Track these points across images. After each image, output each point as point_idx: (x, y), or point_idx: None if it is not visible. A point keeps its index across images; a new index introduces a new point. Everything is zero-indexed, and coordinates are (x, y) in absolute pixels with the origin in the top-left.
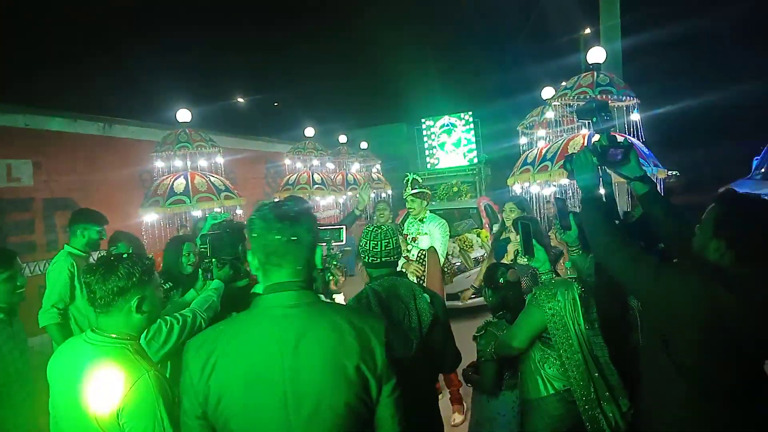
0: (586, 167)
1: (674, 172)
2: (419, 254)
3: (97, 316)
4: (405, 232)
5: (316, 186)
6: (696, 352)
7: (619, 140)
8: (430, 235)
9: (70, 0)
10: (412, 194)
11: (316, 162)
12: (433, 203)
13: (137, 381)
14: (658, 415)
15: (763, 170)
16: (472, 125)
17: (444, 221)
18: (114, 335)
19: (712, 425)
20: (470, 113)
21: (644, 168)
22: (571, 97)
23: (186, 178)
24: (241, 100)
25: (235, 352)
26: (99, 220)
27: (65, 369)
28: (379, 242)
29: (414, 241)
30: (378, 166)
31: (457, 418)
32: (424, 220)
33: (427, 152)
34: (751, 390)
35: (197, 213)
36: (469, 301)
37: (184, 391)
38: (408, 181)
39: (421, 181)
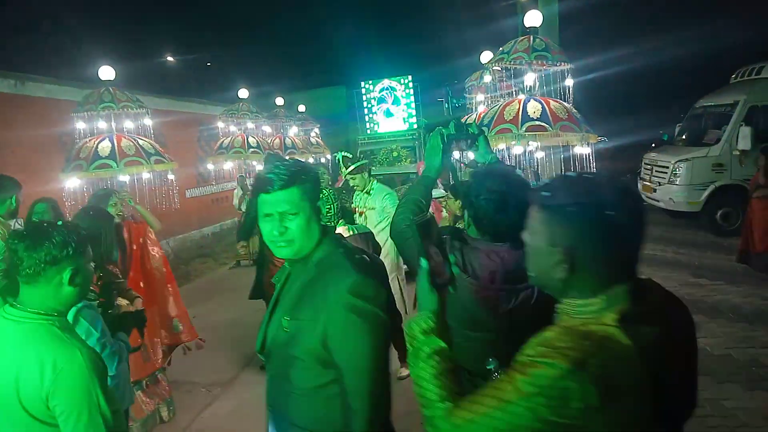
0: (433, 150)
1: (602, 138)
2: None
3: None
4: (354, 205)
5: (252, 150)
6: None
7: (467, 127)
8: (380, 209)
9: None
10: (349, 173)
11: (251, 125)
12: (374, 168)
13: (68, 360)
14: None
15: (684, 136)
16: (411, 89)
17: (392, 191)
18: (38, 310)
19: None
20: (410, 77)
21: (492, 154)
22: (508, 62)
23: (112, 141)
24: (171, 59)
25: None
26: (14, 186)
27: None
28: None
29: (361, 215)
30: (317, 130)
31: (404, 372)
32: (371, 192)
33: (366, 116)
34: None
35: (125, 178)
36: None
37: None
38: (339, 160)
39: (351, 156)
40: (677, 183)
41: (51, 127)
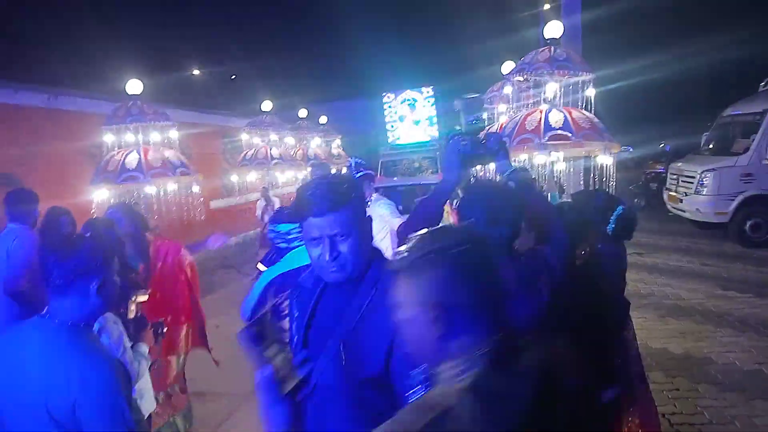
0: (449, 164)
1: (627, 148)
2: None
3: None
4: None
5: (275, 161)
6: None
7: (486, 143)
8: (378, 218)
9: None
10: (357, 178)
11: (274, 137)
12: (395, 179)
13: (95, 370)
14: None
15: (711, 146)
16: (433, 100)
17: (388, 201)
18: (66, 321)
19: None
20: (431, 88)
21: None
22: (528, 72)
23: (139, 153)
24: (196, 72)
25: None
26: (37, 198)
27: (10, 358)
28: None
29: None
30: (338, 141)
31: None
32: (370, 202)
33: (388, 127)
34: None
35: (151, 189)
36: None
37: None
38: (351, 165)
39: (364, 162)
40: (704, 193)
41: (81, 140)
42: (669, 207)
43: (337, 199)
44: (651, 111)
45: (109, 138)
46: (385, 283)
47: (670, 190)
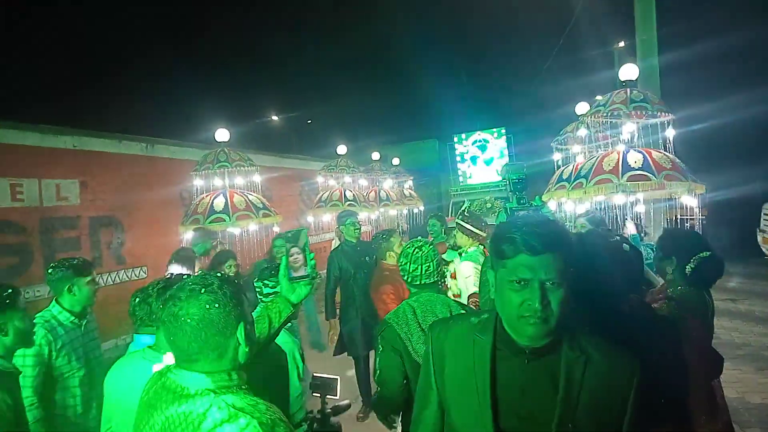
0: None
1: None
2: None
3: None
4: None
5: (348, 202)
6: None
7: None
8: (462, 275)
9: (115, 27)
10: (460, 219)
11: (348, 179)
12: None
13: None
14: None
15: None
16: (505, 141)
17: (482, 260)
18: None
19: None
20: (503, 129)
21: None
22: (603, 114)
23: (225, 196)
24: (275, 118)
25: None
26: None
27: (128, 385)
28: (419, 266)
29: (452, 278)
30: (410, 182)
31: None
32: (463, 255)
33: (459, 168)
34: None
35: (236, 230)
36: None
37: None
38: (465, 209)
39: (478, 209)
40: None
41: (174, 185)
42: (764, 250)
43: (553, 239)
44: (744, 150)
45: (198, 182)
46: (597, 349)
47: (765, 231)
